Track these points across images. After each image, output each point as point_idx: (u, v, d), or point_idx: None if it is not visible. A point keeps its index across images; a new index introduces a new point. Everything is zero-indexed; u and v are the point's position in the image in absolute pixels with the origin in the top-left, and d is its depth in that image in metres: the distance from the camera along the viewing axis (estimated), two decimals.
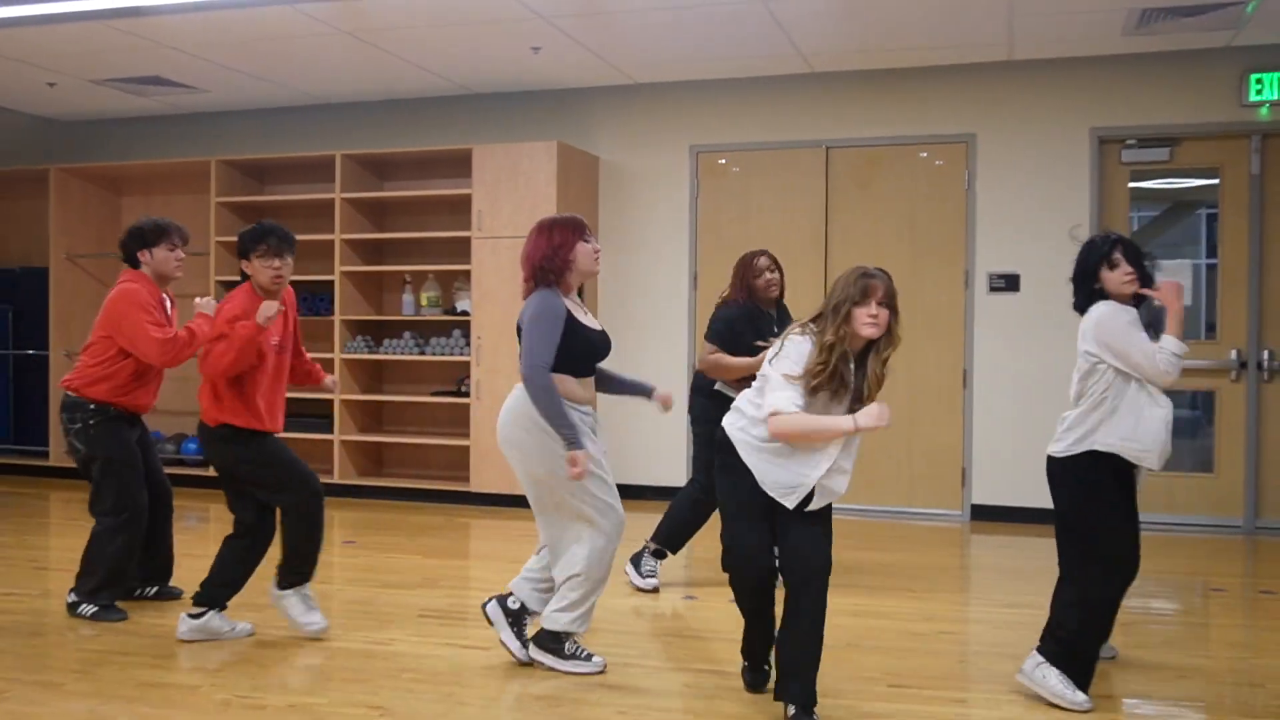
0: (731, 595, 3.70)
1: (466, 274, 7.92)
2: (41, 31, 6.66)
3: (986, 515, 7.36)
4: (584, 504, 3.97)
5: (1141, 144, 7.15)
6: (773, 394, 3.42)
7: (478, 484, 7.71)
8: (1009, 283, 7.30)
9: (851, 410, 3.40)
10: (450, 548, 6.53)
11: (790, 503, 3.44)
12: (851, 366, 3.43)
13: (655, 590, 5.29)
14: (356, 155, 8.15)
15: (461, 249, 7.99)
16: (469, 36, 6.75)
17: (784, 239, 7.32)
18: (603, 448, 4.14)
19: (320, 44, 6.88)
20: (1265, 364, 6.98)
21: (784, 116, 7.74)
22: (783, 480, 3.45)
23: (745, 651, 3.83)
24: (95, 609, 4.70)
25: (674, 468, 7.78)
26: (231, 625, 4.43)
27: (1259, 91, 6.88)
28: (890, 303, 3.39)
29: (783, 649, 3.48)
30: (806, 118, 7.70)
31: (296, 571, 4.41)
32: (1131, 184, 7.25)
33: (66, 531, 7.00)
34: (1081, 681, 3.70)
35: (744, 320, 5.22)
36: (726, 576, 3.64)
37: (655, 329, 7.94)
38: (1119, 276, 3.84)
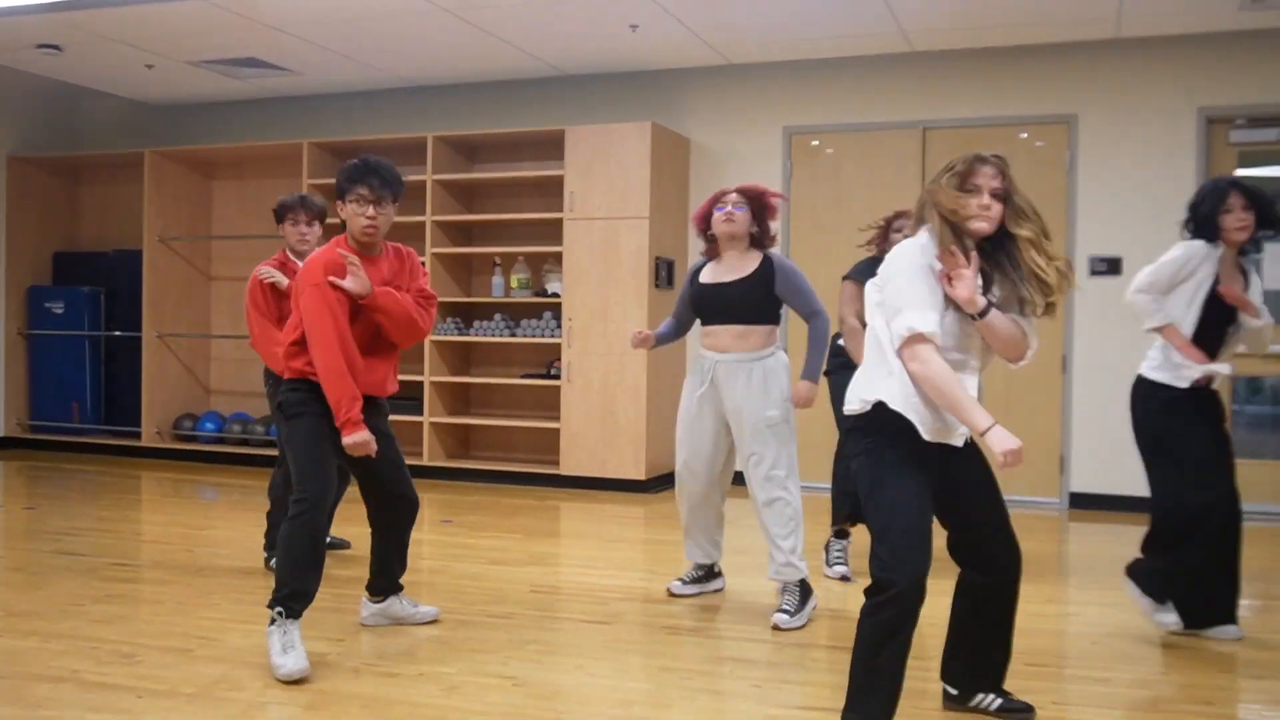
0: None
1: (556, 256, 7.89)
2: (147, 11, 6.72)
3: (1085, 503, 7.22)
4: None
5: (1251, 124, 6.97)
6: (906, 310, 2.87)
7: (567, 467, 7.68)
8: (1110, 266, 7.14)
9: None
10: (547, 528, 6.49)
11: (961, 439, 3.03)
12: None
13: (843, 579, 5.06)
14: (448, 137, 8.15)
15: (550, 231, 7.97)
16: (570, 14, 6.71)
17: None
18: (715, 401, 4.53)
19: (421, 23, 6.88)
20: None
21: (879, 97, 7.64)
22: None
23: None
24: None
25: None
26: (415, 606, 4.30)
27: None
28: (1004, 195, 2.93)
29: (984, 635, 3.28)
30: (902, 98, 7.59)
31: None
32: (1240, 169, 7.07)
33: (166, 508, 7.08)
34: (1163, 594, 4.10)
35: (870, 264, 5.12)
36: None
37: None
38: (1234, 221, 4.06)
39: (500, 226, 8.34)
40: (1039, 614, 4.52)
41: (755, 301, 4.45)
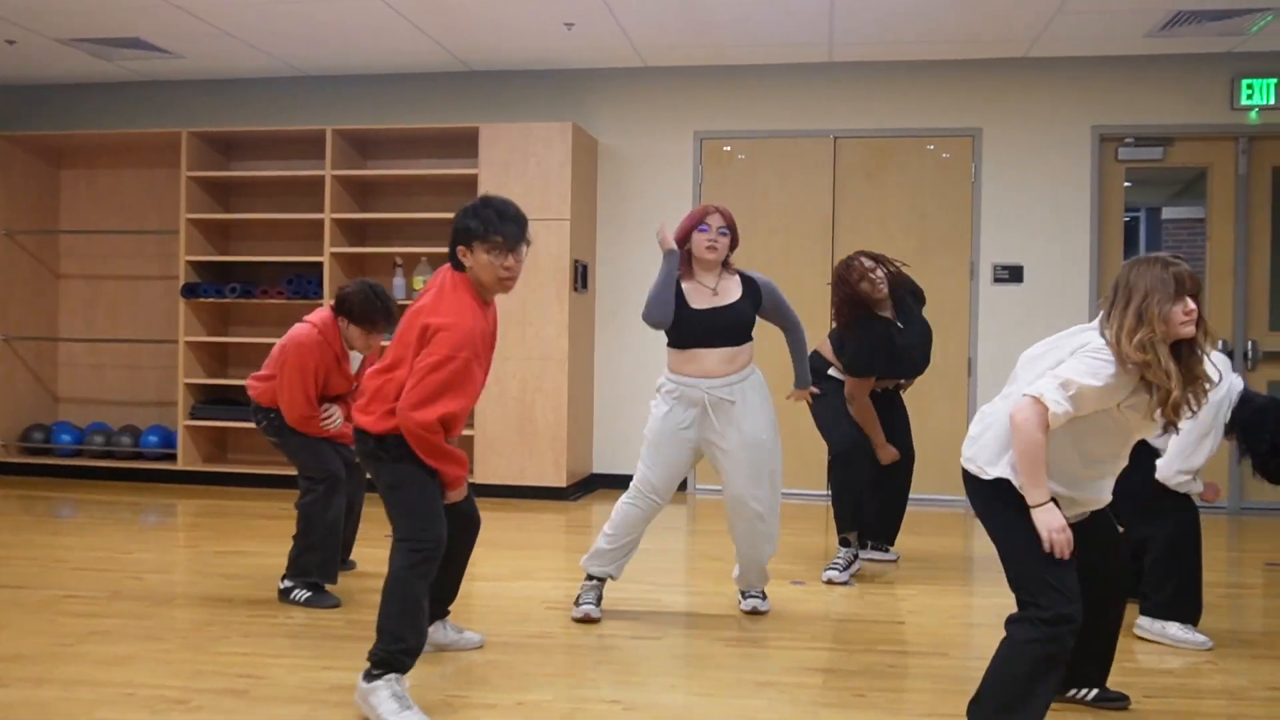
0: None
1: None
2: None
3: None
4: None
5: (1138, 142, 7.48)
6: (1056, 386, 2.92)
7: (483, 475, 7.42)
8: (1012, 274, 7.52)
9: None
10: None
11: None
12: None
13: (829, 582, 5.12)
14: (346, 131, 7.73)
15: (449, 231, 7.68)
16: (505, 9, 6.49)
17: (791, 229, 7.36)
18: (702, 433, 4.38)
19: (345, 7, 6.49)
20: (1249, 354, 7.41)
21: (792, 105, 7.76)
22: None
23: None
24: (309, 594, 4.59)
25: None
26: (460, 632, 4.07)
27: (1249, 96, 7.29)
28: (1199, 293, 2.96)
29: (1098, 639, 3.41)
30: (815, 107, 7.74)
31: None
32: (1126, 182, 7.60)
33: (64, 530, 6.41)
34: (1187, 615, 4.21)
35: (884, 344, 5.10)
36: None
37: None
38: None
39: (396, 225, 7.96)
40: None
41: (747, 324, 4.46)
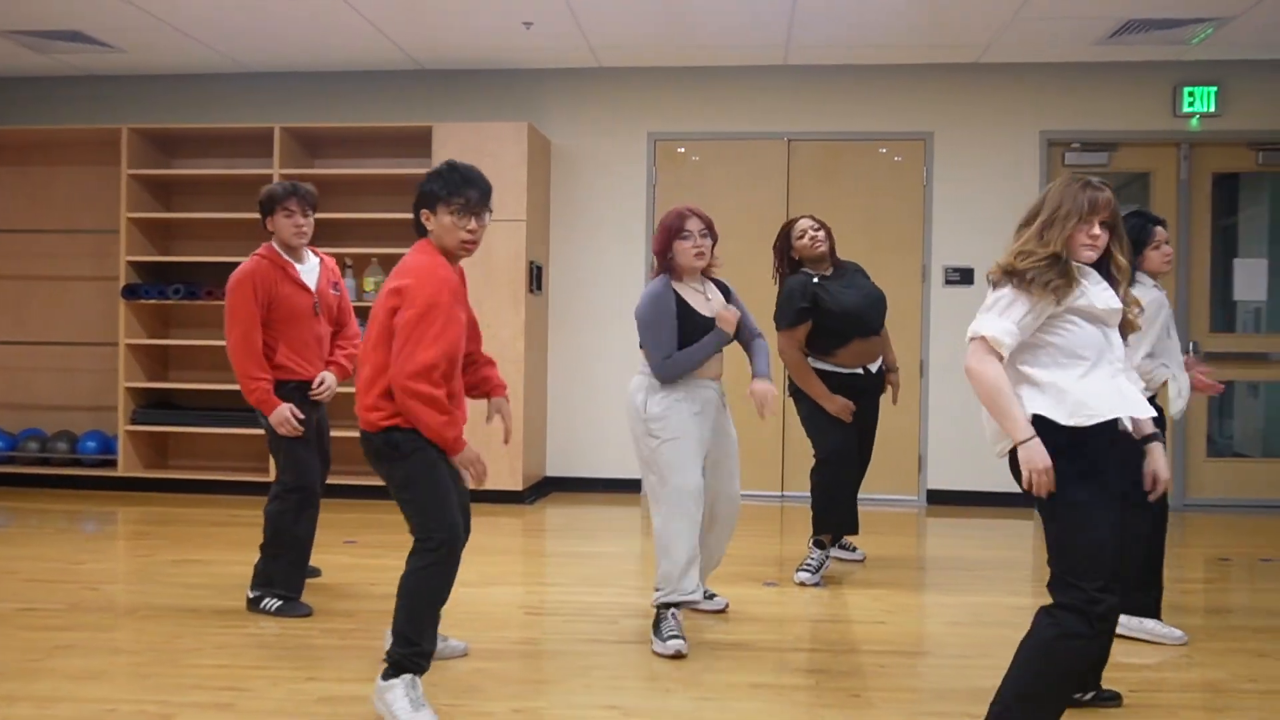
0: None
1: None
2: None
3: (941, 500, 7.65)
4: (653, 473, 4.19)
5: (1084, 148, 7.62)
6: (984, 315, 2.94)
7: None
8: (964, 276, 7.61)
9: None
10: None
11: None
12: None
13: (800, 584, 5.10)
14: (295, 129, 7.57)
15: (406, 231, 7.55)
16: (465, 6, 6.40)
17: (744, 231, 7.35)
18: (710, 429, 4.27)
19: (297, 1, 6.34)
20: (1190, 354, 7.58)
21: (746, 107, 7.77)
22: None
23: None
24: (280, 603, 4.44)
25: None
26: (444, 640, 3.94)
27: (1191, 103, 7.47)
28: (1114, 223, 3.00)
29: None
30: (768, 109, 7.75)
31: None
32: None
33: (5, 540, 6.18)
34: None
35: (800, 292, 5.11)
36: None
37: (610, 321, 7.77)
38: (1162, 256, 4.26)
39: (347, 225, 7.80)
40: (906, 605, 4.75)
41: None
